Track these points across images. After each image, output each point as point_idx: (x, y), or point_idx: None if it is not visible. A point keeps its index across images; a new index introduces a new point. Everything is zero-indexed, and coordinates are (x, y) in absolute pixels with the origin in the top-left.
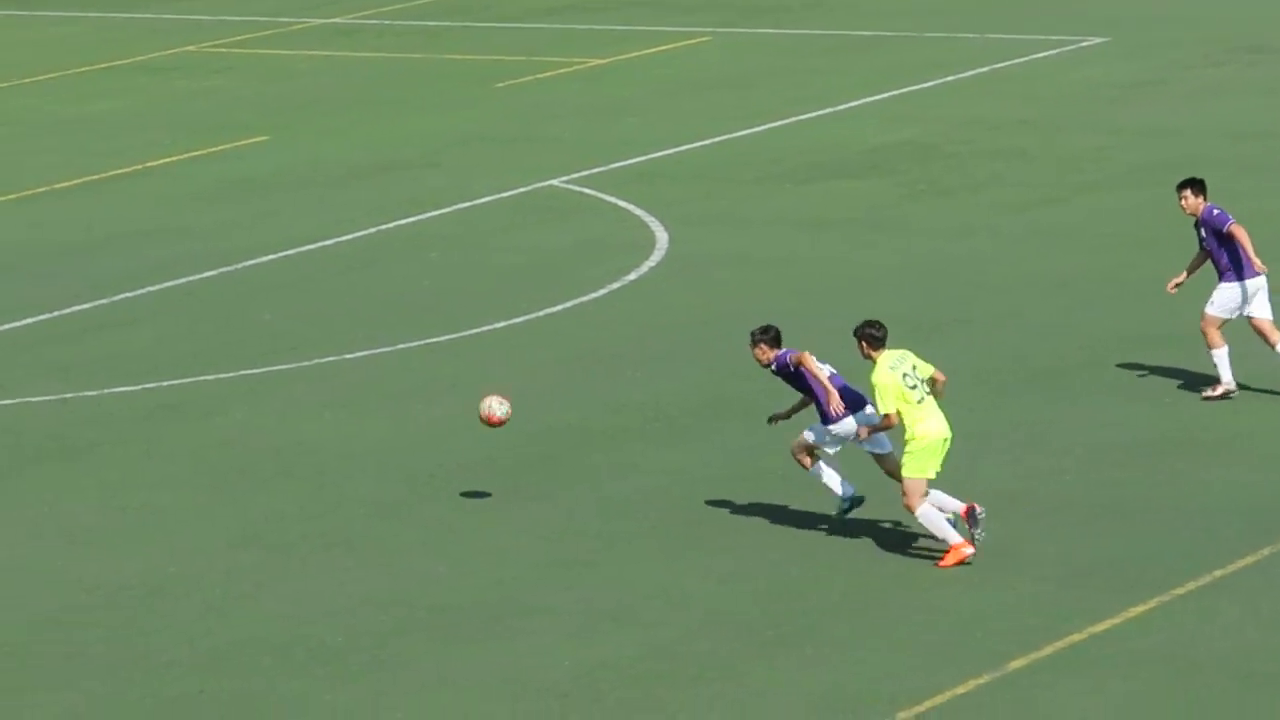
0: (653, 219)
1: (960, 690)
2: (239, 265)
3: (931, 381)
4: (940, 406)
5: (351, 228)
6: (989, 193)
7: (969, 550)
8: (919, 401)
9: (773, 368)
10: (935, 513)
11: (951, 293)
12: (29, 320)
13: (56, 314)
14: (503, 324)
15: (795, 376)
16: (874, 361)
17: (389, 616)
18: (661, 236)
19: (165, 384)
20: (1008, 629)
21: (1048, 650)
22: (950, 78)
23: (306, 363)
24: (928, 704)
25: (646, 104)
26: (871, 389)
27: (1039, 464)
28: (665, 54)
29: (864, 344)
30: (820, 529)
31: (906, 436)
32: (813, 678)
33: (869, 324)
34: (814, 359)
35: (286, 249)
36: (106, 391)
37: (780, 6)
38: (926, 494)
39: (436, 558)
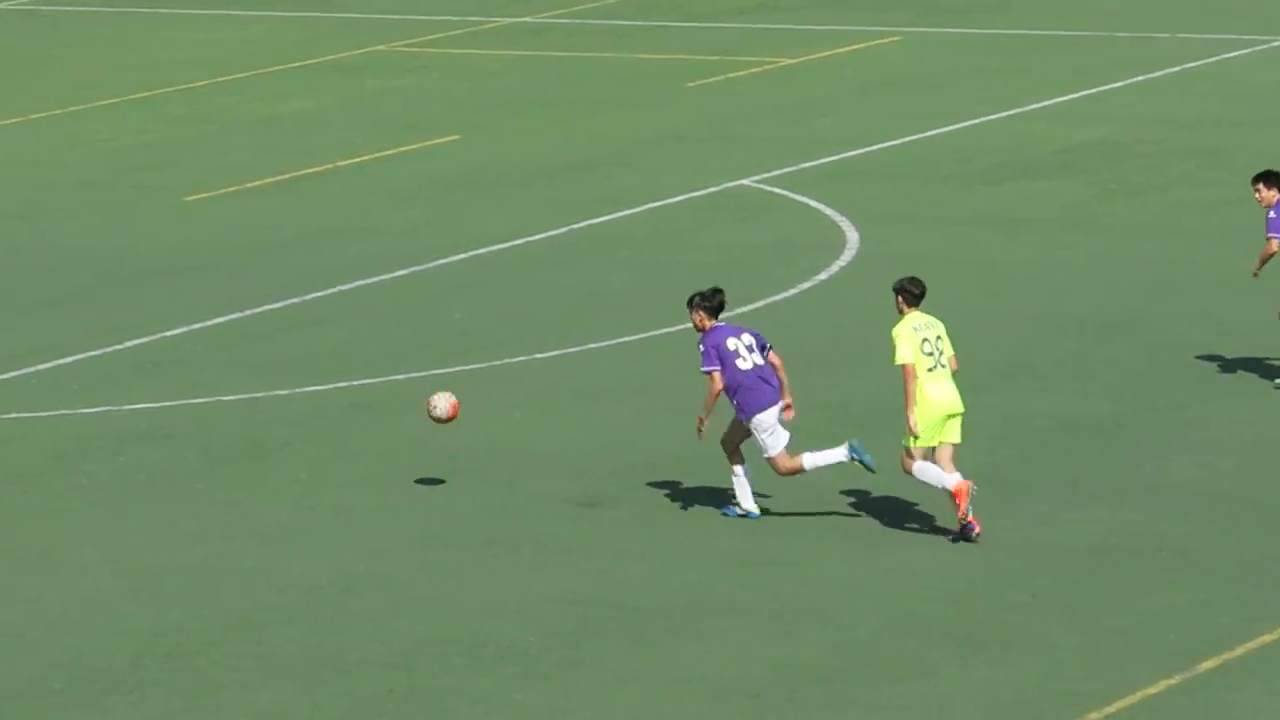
0: (843, 218)
1: (1151, 691)
2: (430, 264)
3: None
4: (955, 383)
5: (542, 227)
6: (1180, 192)
7: (968, 484)
8: (929, 369)
9: (700, 346)
10: (930, 466)
11: (1141, 292)
12: (221, 319)
13: (248, 313)
14: None
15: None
16: (901, 317)
17: (579, 616)
18: (852, 236)
19: (356, 383)
20: (1199, 629)
21: (1239, 651)
22: (1141, 77)
23: (497, 362)
24: (1118, 704)
25: (837, 103)
26: (890, 340)
27: (1229, 463)
28: (855, 53)
29: (900, 298)
30: (1011, 528)
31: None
32: (1003, 677)
33: (910, 280)
34: (717, 382)
35: (477, 248)
36: (297, 391)
37: (970, 6)
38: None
39: (627, 557)
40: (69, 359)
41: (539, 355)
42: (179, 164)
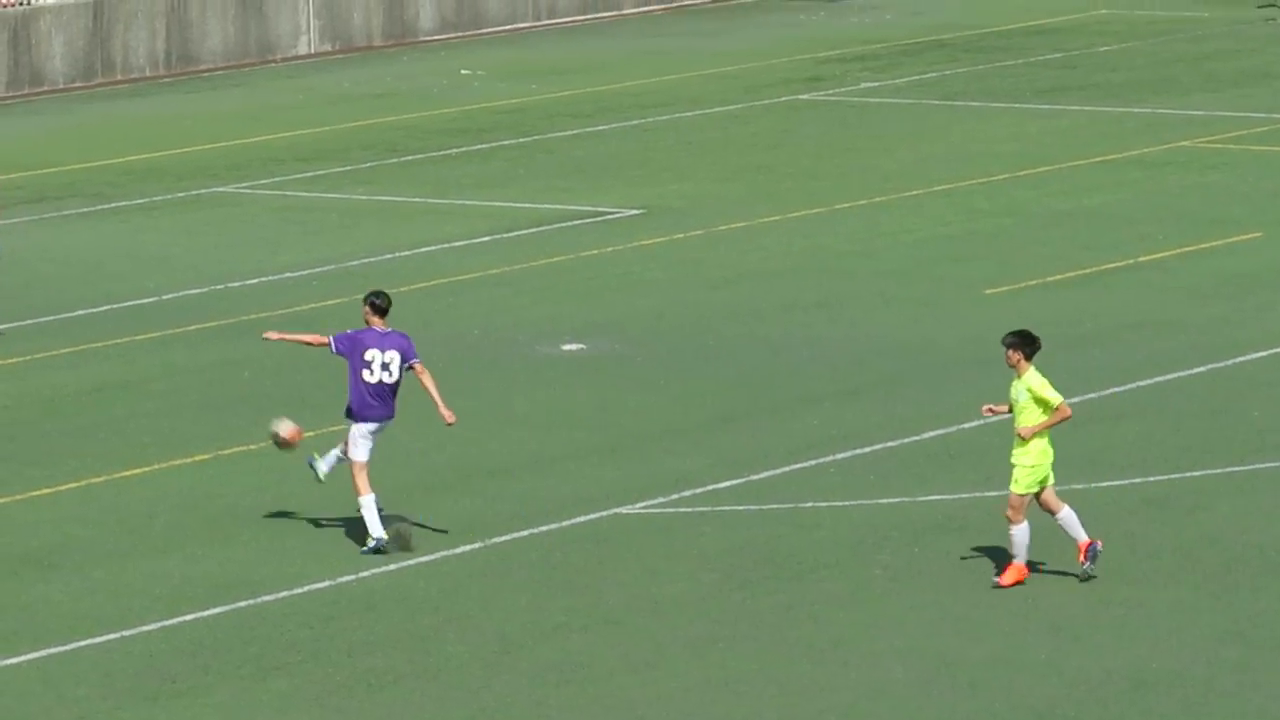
0: None
1: None
2: (1229, 361)
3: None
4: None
5: None
6: None
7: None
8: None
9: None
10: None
11: None
12: None
13: None
14: None
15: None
16: (1025, 369)
17: None
18: None
19: (1151, 479)
20: None
21: None
22: None
23: None
24: None
25: None
26: (1030, 391)
27: None
28: None
29: (1016, 352)
30: None
31: (1032, 450)
32: None
33: (1019, 335)
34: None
35: (1278, 346)
36: (1093, 485)
37: None
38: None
39: None
40: (867, 448)
41: None
42: (980, 256)
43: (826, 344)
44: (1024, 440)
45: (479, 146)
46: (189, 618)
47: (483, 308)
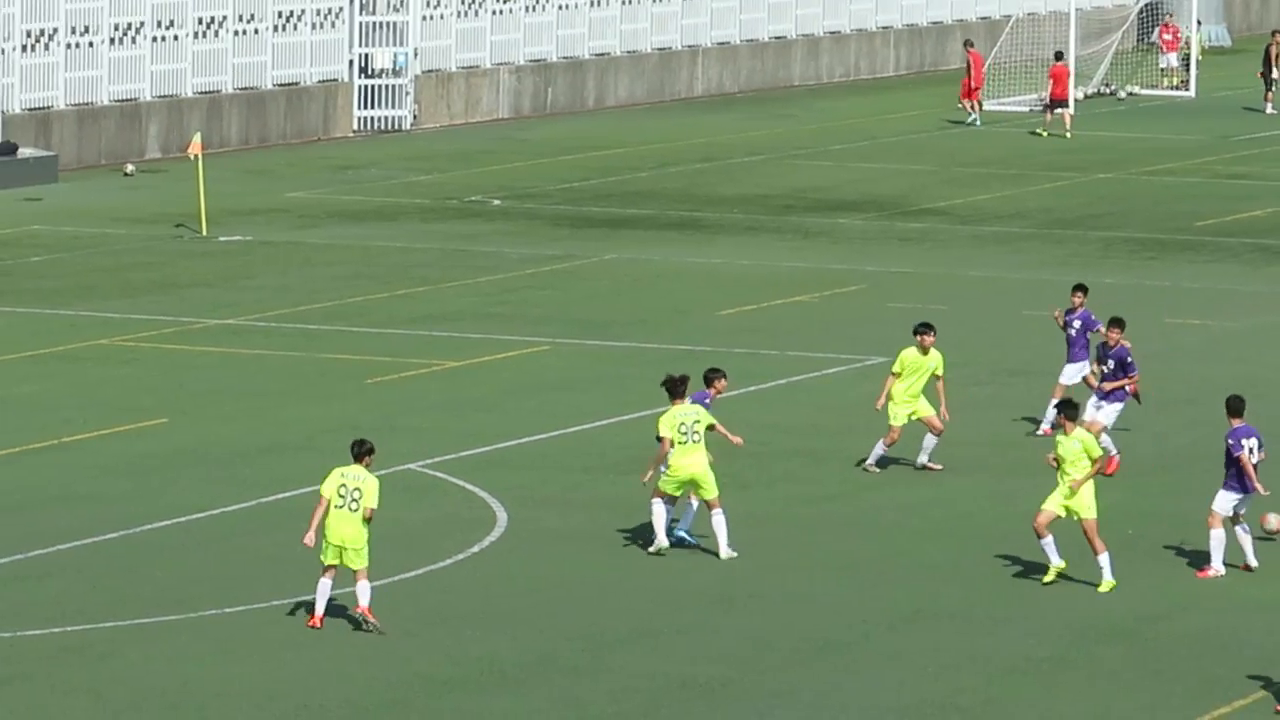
0: (494, 500)
1: None
2: (138, 529)
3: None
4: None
5: (237, 499)
6: (783, 488)
7: None
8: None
9: None
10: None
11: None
12: None
13: None
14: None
15: None
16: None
17: None
18: (501, 515)
19: (70, 629)
20: None
21: None
22: (753, 388)
23: (193, 614)
24: None
25: (493, 402)
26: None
27: None
28: (511, 360)
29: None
30: None
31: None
32: None
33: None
34: None
35: (178, 516)
36: (18, 634)
37: (608, 323)
38: None
39: None
40: None
41: (228, 609)
42: None
43: None
44: None
45: None
46: None
47: None
